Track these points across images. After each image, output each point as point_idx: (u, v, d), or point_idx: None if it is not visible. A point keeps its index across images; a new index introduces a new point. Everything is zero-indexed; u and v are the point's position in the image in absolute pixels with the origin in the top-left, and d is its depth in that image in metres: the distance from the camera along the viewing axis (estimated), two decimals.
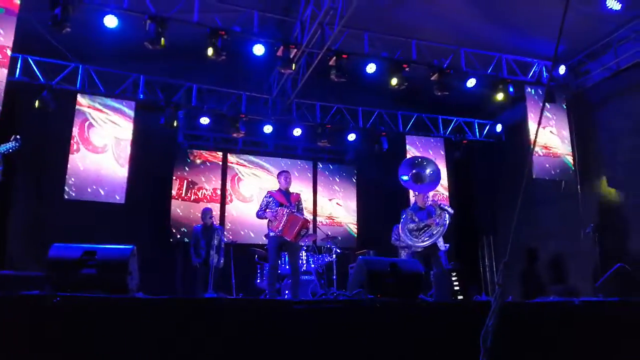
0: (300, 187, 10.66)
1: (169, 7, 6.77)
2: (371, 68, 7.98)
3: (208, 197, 10.06)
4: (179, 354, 2.89)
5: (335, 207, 10.93)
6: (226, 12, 7.21)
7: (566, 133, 9.00)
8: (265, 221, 6.21)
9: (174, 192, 9.76)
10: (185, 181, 9.94)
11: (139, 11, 6.70)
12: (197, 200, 9.87)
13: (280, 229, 5.89)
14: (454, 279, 8.66)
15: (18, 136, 4.68)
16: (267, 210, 6.10)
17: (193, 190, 9.96)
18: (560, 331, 3.57)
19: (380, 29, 7.93)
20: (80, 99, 8.18)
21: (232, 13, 7.25)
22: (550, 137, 8.87)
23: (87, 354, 2.75)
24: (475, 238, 10.49)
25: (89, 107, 8.23)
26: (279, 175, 6.45)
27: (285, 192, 6.25)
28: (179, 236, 9.44)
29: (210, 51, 6.94)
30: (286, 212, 5.95)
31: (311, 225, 6.33)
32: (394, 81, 7.92)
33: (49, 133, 8.09)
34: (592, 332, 3.63)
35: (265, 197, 6.29)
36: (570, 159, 8.87)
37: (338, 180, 11.17)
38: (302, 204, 6.35)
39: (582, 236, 7.73)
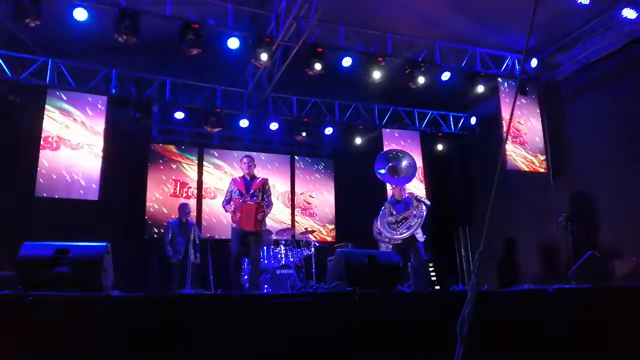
0: (278, 181, 10.66)
1: (141, 0, 6.64)
2: (347, 62, 7.99)
3: (195, 194, 10.03)
4: (156, 351, 2.86)
5: (314, 200, 10.94)
6: (199, 5, 7.10)
7: (538, 125, 9.19)
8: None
9: (170, 191, 9.75)
10: (179, 182, 9.89)
11: (110, 4, 6.56)
12: (187, 198, 9.85)
13: (237, 221, 5.68)
14: (431, 269, 8.77)
15: None
16: (231, 202, 5.85)
17: (184, 189, 9.92)
18: (534, 318, 3.65)
19: (356, 23, 7.94)
20: (50, 93, 7.98)
21: (206, 6, 7.16)
22: (523, 129, 9.04)
23: (62, 353, 2.70)
24: (451, 229, 10.63)
25: (56, 114, 8.03)
26: (240, 160, 6.19)
27: (248, 179, 5.97)
28: (155, 234, 9.31)
29: (183, 45, 6.84)
30: (241, 202, 5.70)
31: (269, 210, 6.01)
32: (377, 75, 7.94)
33: (18, 129, 7.87)
34: (566, 319, 3.72)
35: (229, 185, 6.07)
36: (542, 150, 9.05)
37: (316, 173, 11.18)
38: (268, 190, 6.05)
39: (554, 226, 7.92)
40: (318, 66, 7.53)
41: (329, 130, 10.05)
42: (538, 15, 2.76)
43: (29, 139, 7.82)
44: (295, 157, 11.09)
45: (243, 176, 6.02)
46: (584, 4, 7.19)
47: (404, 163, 6.86)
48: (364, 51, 8.02)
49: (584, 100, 8.45)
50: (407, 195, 6.84)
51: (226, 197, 6.01)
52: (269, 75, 8.82)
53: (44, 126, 7.84)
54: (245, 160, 6.05)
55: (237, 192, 5.86)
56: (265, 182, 6.07)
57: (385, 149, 9.63)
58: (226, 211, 6.03)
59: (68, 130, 8.03)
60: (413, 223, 6.49)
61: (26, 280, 3.08)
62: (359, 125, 10.03)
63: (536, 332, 3.58)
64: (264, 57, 7.29)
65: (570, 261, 6.67)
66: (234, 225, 5.81)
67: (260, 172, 9.97)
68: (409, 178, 7.01)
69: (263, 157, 10.64)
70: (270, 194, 6.10)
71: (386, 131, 10.19)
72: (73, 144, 8.03)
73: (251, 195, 5.79)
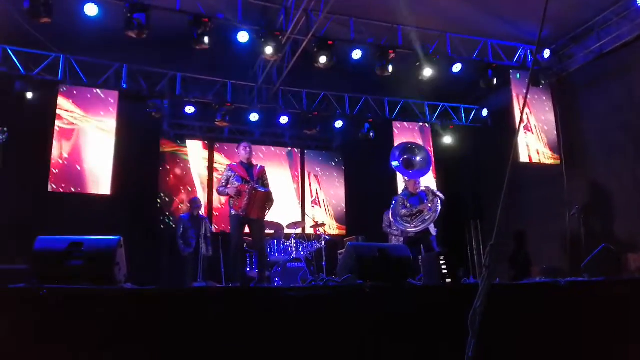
0: (288, 175, 10.67)
1: None
2: (357, 54, 7.95)
3: (205, 187, 10.08)
4: (168, 344, 2.88)
5: (324, 193, 10.94)
6: None
7: (551, 116, 9.09)
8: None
9: (181, 185, 9.78)
10: (189, 176, 9.94)
11: None
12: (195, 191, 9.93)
13: (243, 207, 5.46)
14: (442, 262, 8.71)
15: (5, 128, 4.56)
16: (229, 186, 5.62)
17: (194, 183, 9.99)
18: (546, 311, 3.63)
19: (366, 15, 7.88)
20: (60, 101, 8.04)
21: (215, 0, 7.15)
22: (536, 121, 8.95)
23: (76, 346, 2.73)
24: (462, 222, 10.56)
25: (68, 110, 8.10)
26: (238, 147, 5.96)
27: (247, 165, 5.75)
28: (166, 228, 9.38)
29: (193, 39, 6.85)
30: (248, 188, 5.47)
31: (273, 197, 5.79)
32: (390, 68, 7.88)
33: (31, 124, 7.95)
34: (578, 312, 3.70)
35: (226, 171, 5.82)
36: (555, 141, 8.95)
37: (326, 167, 11.17)
38: (266, 179, 5.86)
39: (567, 218, 7.84)
40: (328, 59, 7.50)
41: (339, 124, 10.04)
42: (550, 5, 2.72)
43: (42, 134, 7.90)
44: (306, 150, 11.09)
45: (241, 162, 5.80)
46: None
47: (419, 157, 6.83)
48: (374, 43, 7.97)
49: (598, 91, 8.33)
50: (422, 188, 6.79)
51: (222, 183, 5.75)
52: (279, 68, 8.81)
53: (56, 121, 7.92)
54: (245, 145, 5.85)
55: (238, 177, 5.63)
56: (264, 170, 5.88)
57: (396, 142, 9.60)
58: (224, 194, 5.74)
59: (80, 125, 8.11)
60: (428, 217, 6.46)
61: (40, 273, 3.12)
62: (369, 118, 9.99)
63: (548, 325, 3.55)
64: (273, 50, 7.27)
65: (583, 254, 6.61)
66: (234, 212, 5.56)
67: (271, 166, 10.13)
68: (423, 171, 6.97)
69: (273, 150, 10.66)
70: (268, 184, 5.88)
71: (397, 124, 10.14)
72: (85, 138, 8.10)
73: (255, 183, 5.59)
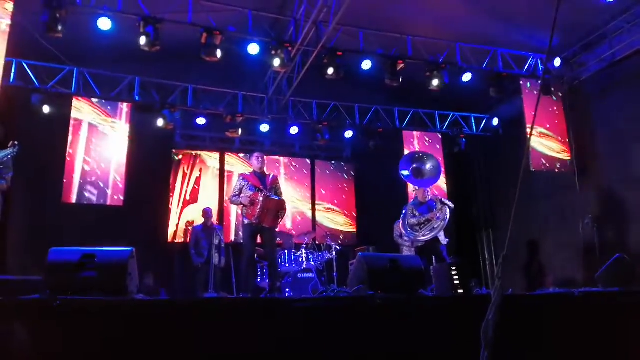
0: (299, 185, 10.68)
1: (163, 9, 6.76)
2: (367, 65, 7.98)
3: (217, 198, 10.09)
4: (180, 355, 2.89)
5: (334, 203, 10.92)
6: (220, 12, 7.20)
7: (563, 125, 9.02)
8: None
9: (193, 196, 9.79)
10: (201, 187, 9.92)
11: (133, 13, 6.69)
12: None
13: (256, 215, 5.46)
14: (454, 273, 8.64)
15: (16, 142, 4.66)
16: (242, 195, 5.61)
17: (206, 194, 9.97)
18: (560, 322, 3.58)
19: (375, 26, 7.92)
20: (75, 103, 8.17)
21: (226, 13, 7.24)
22: (547, 129, 8.89)
23: (89, 356, 2.75)
24: (474, 232, 10.50)
25: (84, 112, 8.25)
26: (250, 157, 6.00)
27: (259, 175, 5.78)
28: (178, 239, 9.42)
29: (205, 51, 6.92)
30: (262, 196, 5.47)
31: (287, 206, 5.81)
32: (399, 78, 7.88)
33: (46, 136, 8.07)
34: (592, 323, 3.64)
35: (239, 180, 5.82)
36: (567, 150, 8.88)
37: (336, 177, 11.16)
38: (279, 188, 5.87)
39: (580, 228, 7.75)
40: (337, 70, 7.53)
41: (349, 134, 10.06)
42: (561, 13, 2.72)
43: (56, 146, 8.02)
44: (316, 160, 11.10)
45: (254, 171, 5.85)
46: (608, 1, 7.05)
47: (429, 165, 6.82)
48: (384, 54, 7.99)
49: (611, 99, 8.26)
50: (431, 197, 6.77)
51: (234, 191, 5.76)
52: (289, 79, 8.87)
53: (69, 133, 8.04)
54: (257, 155, 5.90)
55: (251, 186, 5.63)
56: (277, 179, 5.92)
57: (406, 151, 9.59)
58: (237, 203, 5.76)
59: (93, 137, 8.21)
60: (436, 225, 6.43)
61: (54, 284, 3.15)
62: (379, 127, 10.00)
63: (562, 336, 3.50)
64: (283, 62, 7.32)
65: (597, 264, 6.53)
66: (247, 220, 5.57)
67: (281, 176, 10.16)
68: (432, 180, 6.96)
69: (282, 162, 10.70)
70: (281, 192, 5.90)
71: (407, 133, 10.13)
72: (98, 150, 8.20)
73: (268, 191, 5.61)
